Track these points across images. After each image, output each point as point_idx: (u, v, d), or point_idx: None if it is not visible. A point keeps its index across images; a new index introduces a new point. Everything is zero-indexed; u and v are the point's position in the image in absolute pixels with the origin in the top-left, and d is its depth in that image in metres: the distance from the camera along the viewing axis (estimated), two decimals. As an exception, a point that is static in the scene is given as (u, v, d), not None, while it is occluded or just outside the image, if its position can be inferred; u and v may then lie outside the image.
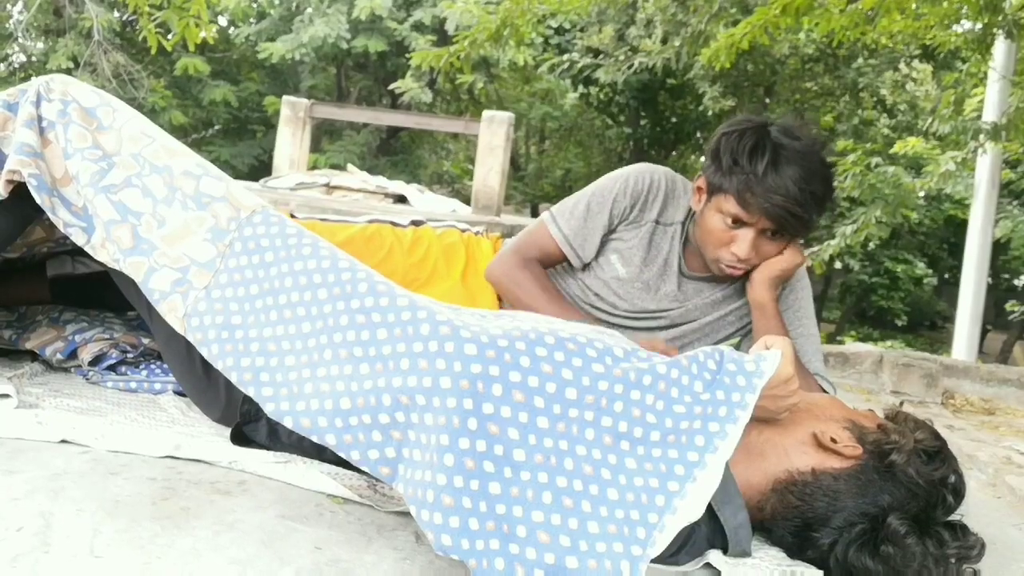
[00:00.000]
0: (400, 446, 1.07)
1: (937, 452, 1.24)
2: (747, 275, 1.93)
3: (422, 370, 1.07)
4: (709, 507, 1.16)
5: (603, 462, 1.06)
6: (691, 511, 1.05)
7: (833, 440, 1.24)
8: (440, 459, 1.01)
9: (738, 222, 1.76)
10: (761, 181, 1.70)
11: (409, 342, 1.10)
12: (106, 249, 1.32)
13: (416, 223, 2.09)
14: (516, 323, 1.21)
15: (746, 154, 1.72)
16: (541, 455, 1.04)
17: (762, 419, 1.27)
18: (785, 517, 1.23)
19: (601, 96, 14.77)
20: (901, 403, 1.41)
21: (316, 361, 1.15)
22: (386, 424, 1.07)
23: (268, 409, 1.15)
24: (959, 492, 1.22)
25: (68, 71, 13.55)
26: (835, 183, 1.82)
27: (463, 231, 2.13)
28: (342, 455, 1.11)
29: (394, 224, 2.06)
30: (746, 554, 1.20)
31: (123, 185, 1.32)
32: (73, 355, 1.62)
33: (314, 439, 1.11)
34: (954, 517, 1.22)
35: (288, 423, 1.13)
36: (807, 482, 1.22)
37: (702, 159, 2.00)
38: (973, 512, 1.49)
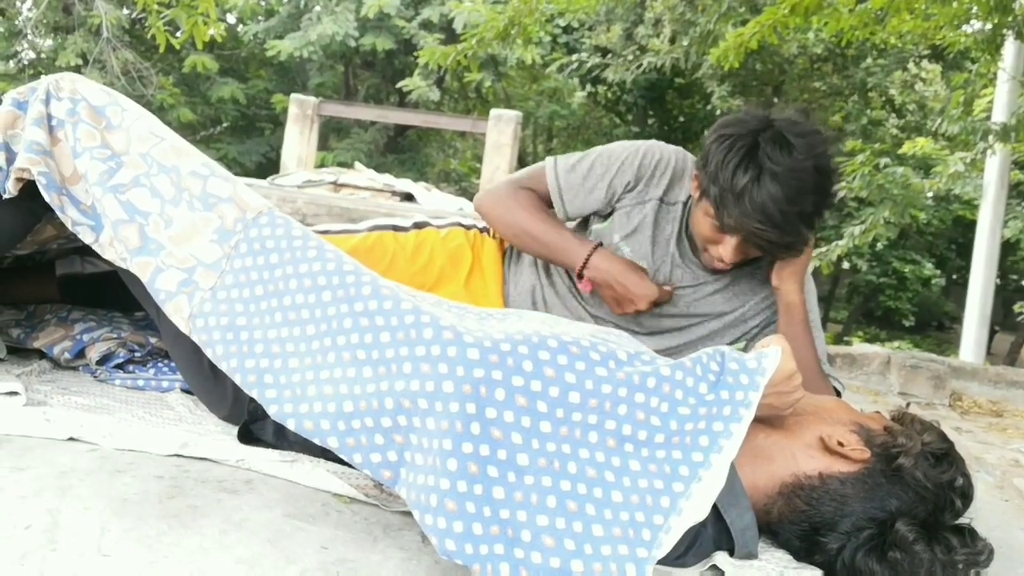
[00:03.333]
0: (402, 450, 1.07)
1: (945, 455, 1.23)
2: (750, 277, 1.91)
3: (424, 374, 1.07)
4: (715, 509, 1.16)
5: (607, 465, 1.06)
6: (697, 512, 1.05)
7: (840, 444, 1.23)
8: (443, 463, 1.01)
9: (720, 229, 1.71)
10: (737, 202, 1.62)
11: (412, 346, 1.10)
12: (114, 248, 1.32)
13: (419, 225, 2.07)
14: (520, 325, 1.20)
15: (729, 169, 1.63)
16: (544, 459, 1.03)
17: (769, 422, 1.27)
18: (792, 521, 1.22)
19: (609, 95, 14.76)
20: (908, 404, 1.40)
21: (319, 363, 1.15)
22: (388, 427, 1.07)
23: (271, 411, 1.15)
24: (967, 495, 1.22)
25: (77, 68, 13.60)
26: (835, 188, 1.71)
27: (468, 228, 2.11)
28: (344, 458, 1.11)
29: (396, 228, 2.04)
30: (752, 556, 1.19)
31: (131, 185, 1.32)
32: (81, 354, 1.62)
33: (316, 442, 1.12)
34: (962, 520, 1.21)
35: (291, 425, 1.13)
36: (814, 486, 1.21)
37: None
38: (980, 515, 1.49)
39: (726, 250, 1.73)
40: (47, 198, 1.32)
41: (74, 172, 1.35)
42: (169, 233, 1.30)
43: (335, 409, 1.10)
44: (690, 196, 1.88)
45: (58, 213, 1.34)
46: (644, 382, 1.12)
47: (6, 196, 1.35)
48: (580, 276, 1.86)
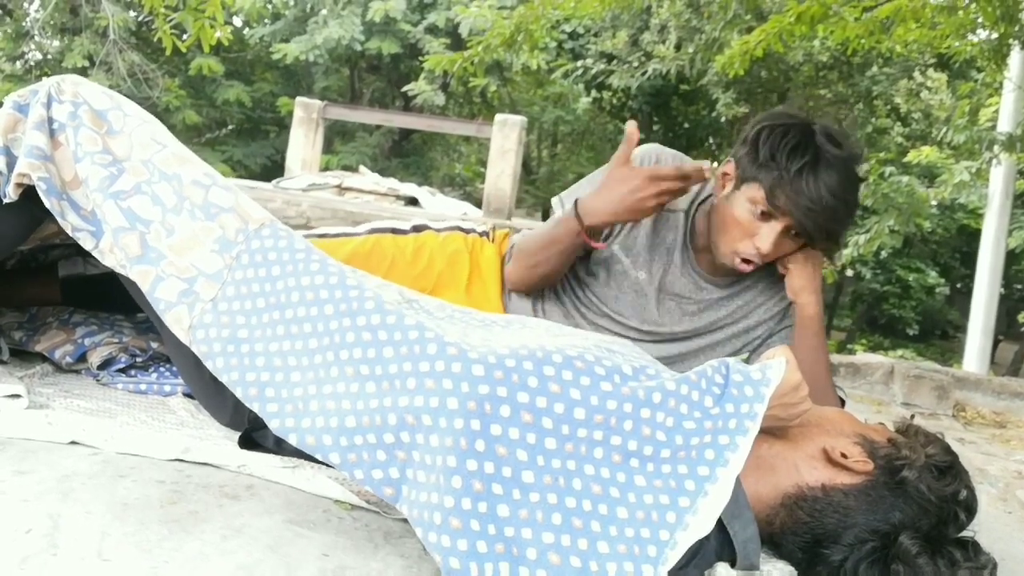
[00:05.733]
0: (404, 467, 1.06)
1: (949, 467, 1.23)
2: (753, 287, 1.91)
3: (429, 390, 1.06)
4: (719, 520, 1.15)
5: (612, 481, 1.06)
6: (703, 526, 1.05)
7: (843, 455, 1.23)
8: (447, 481, 1.01)
9: (765, 215, 1.70)
10: (793, 182, 1.64)
11: (416, 361, 1.09)
12: (113, 255, 1.31)
13: (417, 228, 2.06)
14: (524, 336, 1.20)
15: (786, 151, 1.66)
16: (550, 476, 1.03)
17: (772, 432, 1.27)
18: (795, 532, 1.22)
19: (614, 101, 14.76)
20: (912, 416, 1.40)
21: (322, 378, 1.14)
22: (391, 444, 1.07)
23: (273, 425, 1.14)
24: (971, 508, 1.21)
25: (83, 70, 13.65)
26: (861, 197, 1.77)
27: (467, 232, 2.10)
28: (345, 474, 1.10)
29: (395, 231, 2.02)
30: (754, 568, 1.19)
31: (132, 192, 1.32)
32: (82, 358, 1.62)
33: (318, 457, 1.11)
34: (966, 534, 1.21)
35: (293, 440, 1.12)
36: (817, 498, 1.21)
37: (713, 164, 1.92)
38: (983, 527, 1.48)
39: (764, 239, 1.70)
40: (47, 204, 1.32)
41: (75, 177, 1.35)
42: (170, 242, 1.29)
43: (337, 424, 1.10)
44: (692, 203, 1.87)
45: (58, 219, 1.33)
46: (649, 397, 1.11)
47: (6, 201, 1.35)
48: (587, 234, 1.77)
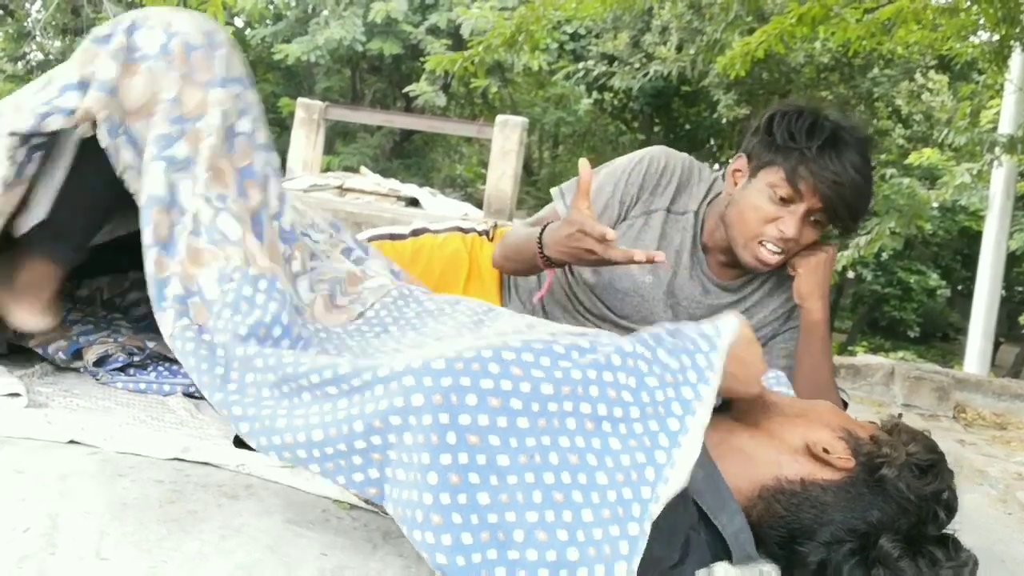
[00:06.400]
0: (383, 466, 1.06)
1: (930, 466, 1.20)
2: (759, 290, 1.90)
3: (392, 391, 1.06)
4: (705, 515, 1.15)
5: (588, 448, 1.05)
6: (681, 477, 1.04)
7: (826, 451, 1.21)
8: (424, 478, 1.00)
9: (786, 200, 1.70)
10: (816, 159, 1.66)
11: (375, 370, 1.10)
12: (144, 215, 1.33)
13: (416, 232, 2.06)
14: (487, 338, 1.20)
15: (804, 131, 1.68)
16: (525, 456, 1.02)
17: (755, 423, 1.26)
18: (771, 526, 1.20)
19: (615, 102, 14.77)
20: (900, 415, 1.37)
21: (294, 402, 1.16)
22: (363, 448, 1.07)
23: (251, 443, 1.16)
24: (951, 507, 1.19)
25: (85, 70, 13.63)
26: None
27: (466, 232, 2.10)
28: (328, 481, 1.10)
29: (393, 236, 2.03)
30: (752, 557, 1.18)
31: (184, 165, 1.32)
32: (77, 355, 1.61)
33: (298, 468, 1.12)
34: (948, 529, 1.20)
35: (272, 456, 1.14)
36: (795, 492, 1.19)
37: (715, 166, 1.92)
38: (983, 528, 1.48)
39: (789, 223, 1.70)
40: (103, 144, 1.32)
41: (140, 107, 1.33)
42: (189, 242, 1.30)
43: (305, 439, 1.10)
44: (701, 203, 1.86)
45: (111, 160, 1.33)
46: (609, 360, 1.11)
47: (79, 134, 1.34)
48: (545, 263, 1.74)
